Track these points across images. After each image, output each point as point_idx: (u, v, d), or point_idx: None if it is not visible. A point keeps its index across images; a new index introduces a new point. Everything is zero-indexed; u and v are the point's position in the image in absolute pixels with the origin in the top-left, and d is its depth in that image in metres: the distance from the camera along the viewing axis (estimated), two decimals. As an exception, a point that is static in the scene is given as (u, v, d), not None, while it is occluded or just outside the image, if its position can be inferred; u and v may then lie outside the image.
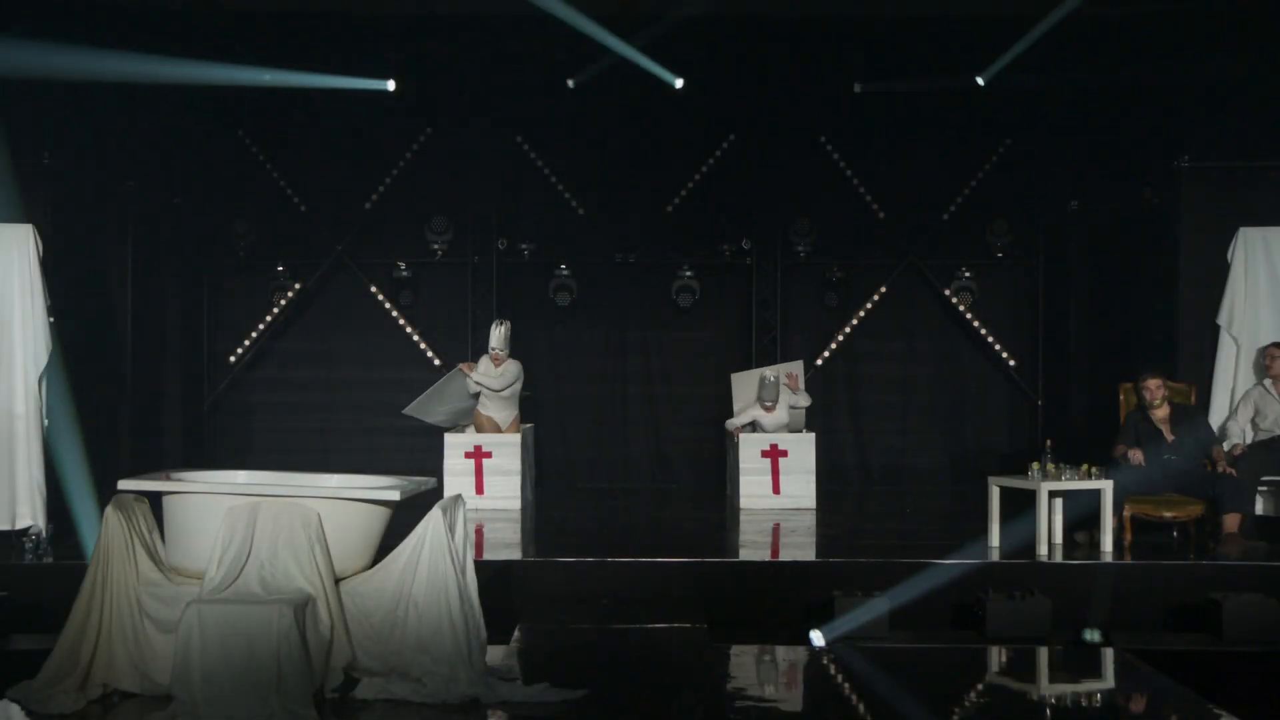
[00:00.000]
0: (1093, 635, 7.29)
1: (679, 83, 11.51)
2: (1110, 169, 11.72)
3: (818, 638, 7.24)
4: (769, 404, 10.69)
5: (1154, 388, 8.79)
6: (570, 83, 11.70)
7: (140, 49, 10.26)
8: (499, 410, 10.66)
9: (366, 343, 12.79)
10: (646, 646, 7.05)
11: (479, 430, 10.65)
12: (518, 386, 10.69)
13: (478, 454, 10.46)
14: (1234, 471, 8.61)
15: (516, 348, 10.80)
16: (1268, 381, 9.15)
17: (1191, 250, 9.85)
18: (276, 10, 11.16)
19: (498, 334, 10.55)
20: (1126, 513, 8.54)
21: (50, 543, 8.37)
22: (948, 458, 12.79)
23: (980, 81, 10.96)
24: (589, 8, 11.28)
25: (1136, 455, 8.65)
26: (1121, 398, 9.30)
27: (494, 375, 10.54)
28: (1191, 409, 9.03)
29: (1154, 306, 10.53)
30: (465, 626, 6.01)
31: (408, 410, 10.85)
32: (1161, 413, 8.79)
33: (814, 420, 11.24)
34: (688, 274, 12.67)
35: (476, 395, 10.65)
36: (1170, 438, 8.73)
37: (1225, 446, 9.00)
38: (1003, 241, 12.62)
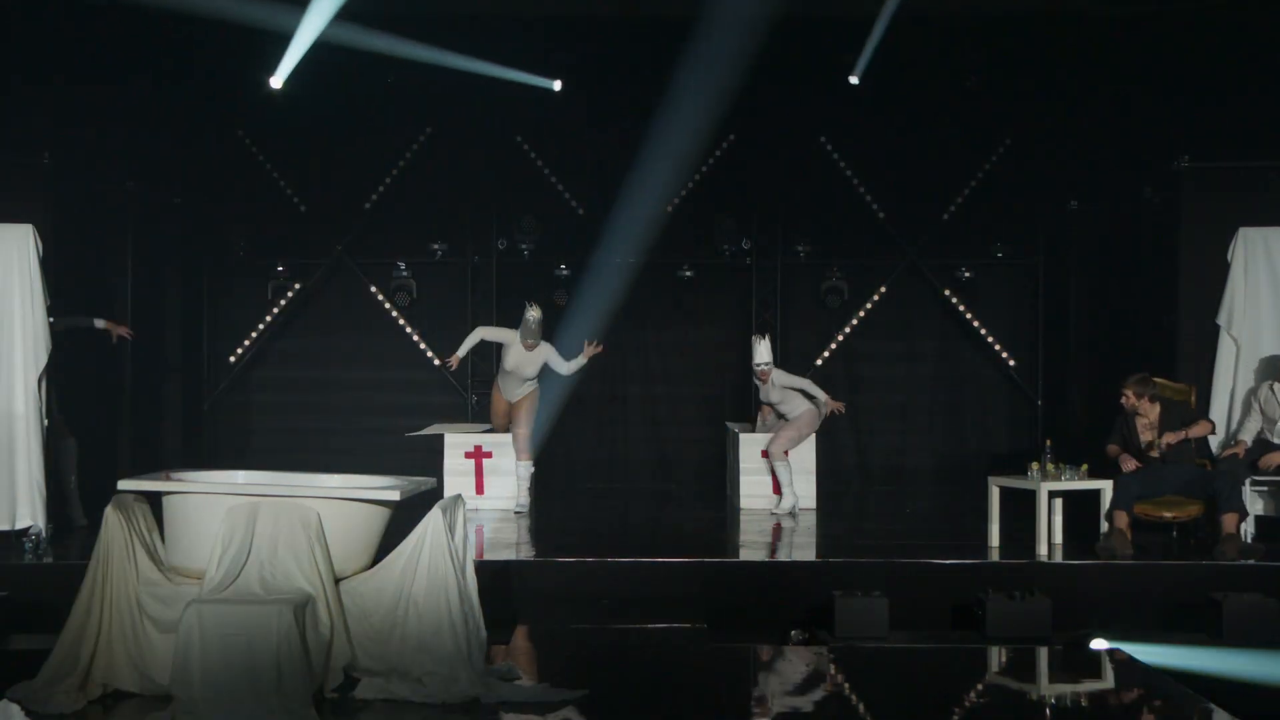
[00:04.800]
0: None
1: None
2: (1110, 169, 11.72)
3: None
4: (762, 367, 10.31)
5: (1125, 397, 8.76)
6: (556, 85, 11.72)
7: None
8: (516, 388, 10.35)
9: (366, 343, 12.79)
10: (646, 646, 7.06)
11: (494, 410, 10.48)
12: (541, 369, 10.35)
13: (478, 454, 10.46)
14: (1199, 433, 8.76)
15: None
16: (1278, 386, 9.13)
17: (1191, 250, 9.84)
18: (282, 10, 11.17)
19: (532, 322, 10.04)
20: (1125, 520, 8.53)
21: (50, 543, 8.38)
22: (948, 458, 12.78)
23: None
24: (588, 8, 11.33)
25: (1128, 462, 8.64)
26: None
27: (539, 360, 10.16)
28: (1181, 406, 8.99)
29: (1154, 306, 10.53)
30: (465, 626, 6.01)
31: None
32: (1147, 420, 8.74)
33: (814, 420, 11.22)
34: (688, 274, 12.68)
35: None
36: (1155, 444, 8.68)
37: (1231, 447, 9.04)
38: (1003, 241, 12.63)
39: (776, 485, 10.46)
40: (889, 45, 11.31)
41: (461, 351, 10.33)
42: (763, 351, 10.33)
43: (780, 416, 10.45)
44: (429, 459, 10.62)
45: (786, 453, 10.29)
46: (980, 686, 6.66)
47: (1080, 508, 8.74)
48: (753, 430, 10.82)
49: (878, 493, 12.37)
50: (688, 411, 12.89)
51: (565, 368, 10.30)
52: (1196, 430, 8.66)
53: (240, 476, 6.77)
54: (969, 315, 12.74)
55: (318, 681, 5.83)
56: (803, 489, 10.45)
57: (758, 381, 10.44)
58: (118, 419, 11.00)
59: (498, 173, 12.66)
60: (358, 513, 6.19)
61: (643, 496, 12.10)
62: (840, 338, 12.75)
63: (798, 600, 7.76)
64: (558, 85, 11.77)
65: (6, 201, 9.02)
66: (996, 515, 8.76)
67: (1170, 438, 8.58)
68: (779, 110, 12.36)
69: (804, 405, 10.35)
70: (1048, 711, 6.30)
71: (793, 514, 10.21)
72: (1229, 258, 9.56)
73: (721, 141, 12.77)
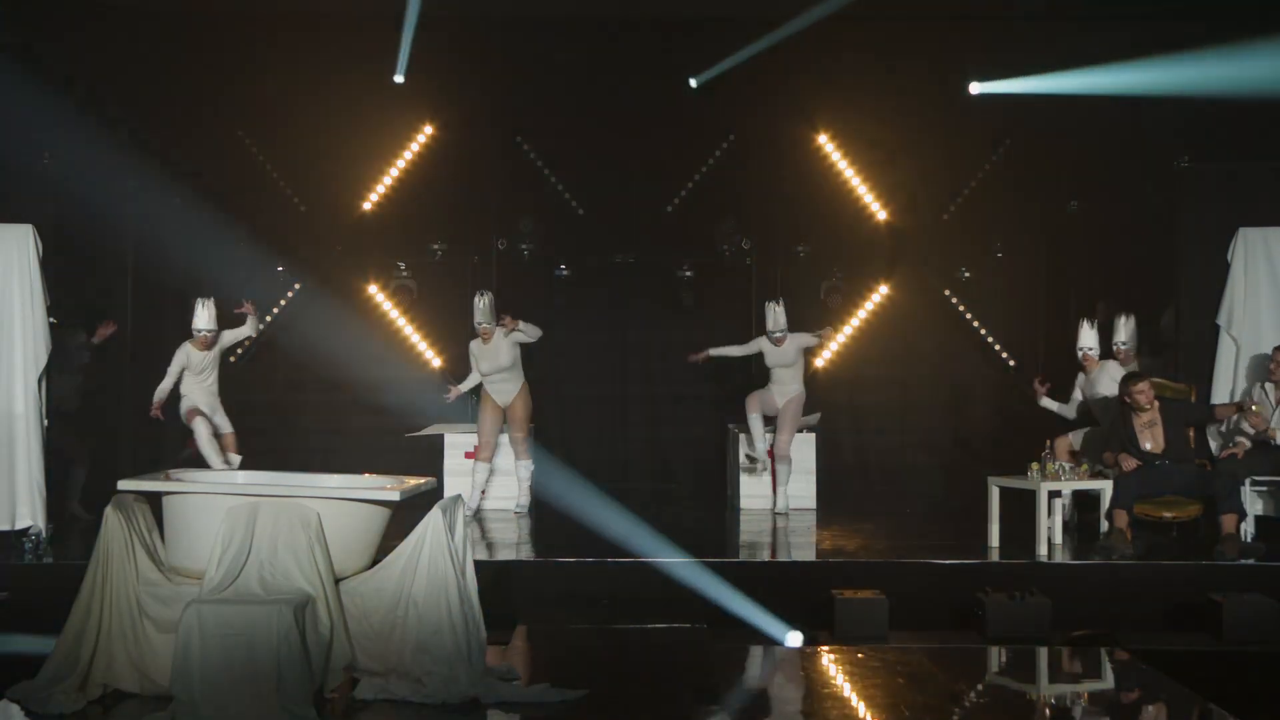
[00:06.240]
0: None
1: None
2: (1110, 169, 11.72)
3: (794, 639, 7.24)
4: (777, 335, 10.39)
5: (1137, 392, 8.76)
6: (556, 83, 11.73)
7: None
8: (503, 385, 10.28)
9: (366, 343, 12.77)
10: (646, 646, 7.05)
11: (481, 417, 10.36)
12: (518, 354, 10.29)
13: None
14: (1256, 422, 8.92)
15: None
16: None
17: (1191, 250, 9.84)
18: (282, 10, 11.21)
19: (481, 307, 10.11)
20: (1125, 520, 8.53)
21: (50, 543, 8.38)
22: (948, 458, 12.76)
23: None
24: (587, 8, 11.34)
25: (1129, 461, 8.65)
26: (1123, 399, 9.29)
27: (505, 347, 10.12)
28: (1178, 403, 9.00)
29: (1154, 306, 10.54)
30: (465, 626, 6.01)
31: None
32: (1146, 417, 8.75)
33: (814, 420, 11.24)
34: (688, 274, 12.68)
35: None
36: (1154, 444, 8.70)
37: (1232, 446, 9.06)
38: (1003, 241, 12.63)
39: (777, 484, 10.47)
40: (889, 44, 11.35)
41: (467, 384, 10.43)
42: (780, 317, 10.35)
43: (777, 384, 10.41)
44: (429, 459, 10.62)
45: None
46: (980, 686, 6.66)
47: (1080, 508, 8.75)
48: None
49: (878, 493, 12.36)
50: (688, 411, 12.88)
51: (526, 335, 10.21)
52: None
53: (240, 476, 6.78)
54: (969, 315, 12.73)
55: (318, 681, 5.83)
56: (803, 489, 10.47)
57: (773, 347, 10.40)
58: (118, 419, 10.99)
59: (498, 173, 12.65)
60: (358, 513, 6.19)
61: (643, 496, 12.09)
62: (840, 338, 12.74)
63: (798, 600, 7.76)
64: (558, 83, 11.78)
65: (6, 201, 9.02)
66: (996, 515, 8.77)
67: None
68: (778, 110, 12.35)
69: (797, 386, 10.42)
70: (1048, 711, 6.31)
71: (785, 514, 10.24)
72: (1229, 258, 9.57)
73: (721, 141, 12.78)
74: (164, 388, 9.89)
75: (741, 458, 10.71)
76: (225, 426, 10.03)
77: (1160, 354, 10.56)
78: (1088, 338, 9.77)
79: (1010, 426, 12.75)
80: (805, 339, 10.49)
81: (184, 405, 9.93)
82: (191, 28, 11.30)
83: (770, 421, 10.57)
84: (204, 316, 9.82)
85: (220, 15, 11.40)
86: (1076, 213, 12.36)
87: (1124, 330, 9.73)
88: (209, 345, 9.85)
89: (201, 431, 9.77)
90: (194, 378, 9.92)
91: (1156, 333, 10.65)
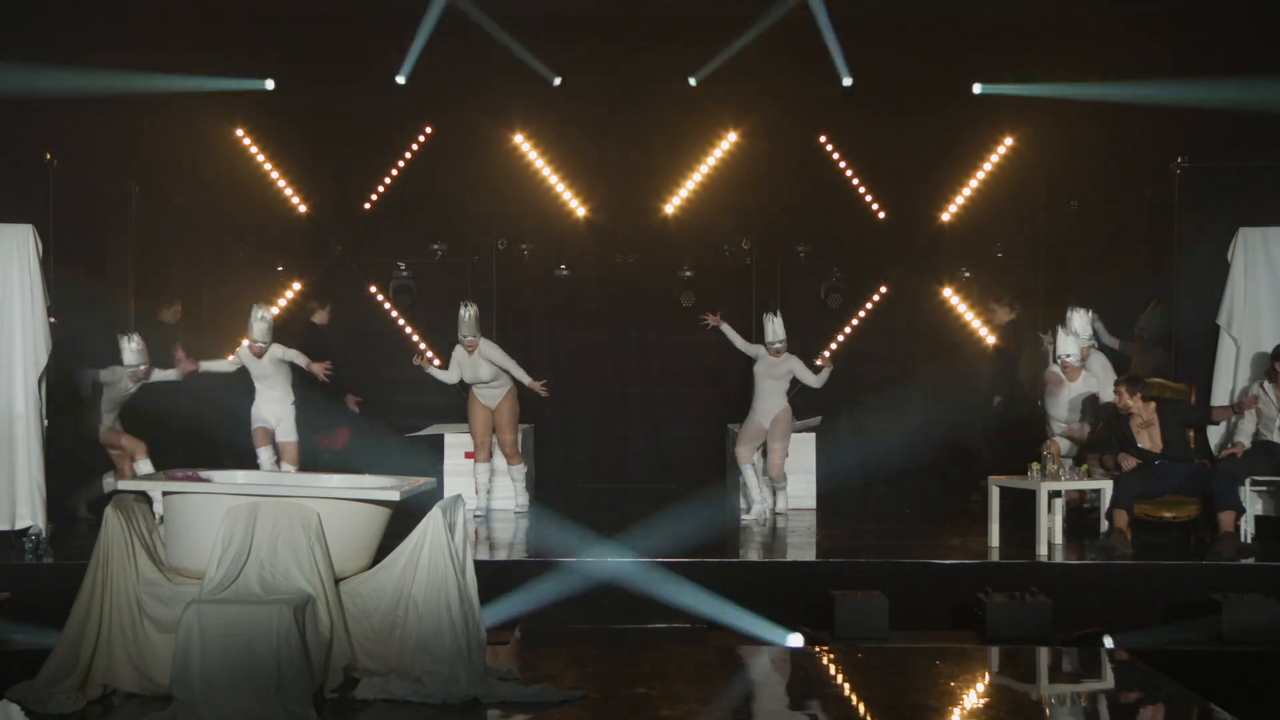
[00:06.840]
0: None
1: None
2: (1110, 169, 11.72)
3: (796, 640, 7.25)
4: (776, 345, 10.29)
5: (1119, 396, 8.77)
6: (556, 80, 11.72)
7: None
8: (489, 391, 10.22)
9: (366, 343, 12.77)
10: (646, 646, 7.05)
11: (472, 420, 10.30)
12: (498, 369, 10.15)
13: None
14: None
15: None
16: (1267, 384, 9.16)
17: (1191, 250, 9.84)
18: (280, 11, 11.20)
19: (467, 318, 10.01)
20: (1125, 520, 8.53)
21: (50, 543, 8.38)
22: (947, 458, 12.75)
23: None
24: (584, 7, 11.35)
25: (1128, 461, 8.66)
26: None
27: (484, 362, 10.04)
28: (1176, 404, 9.00)
29: (1153, 307, 10.53)
30: (465, 626, 6.02)
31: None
32: (1141, 419, 8.75)
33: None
34: (688, 274, 12.67)
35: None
36: (1150, 444, 8.70)
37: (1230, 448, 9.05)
38: (1003, 241, 12.62)
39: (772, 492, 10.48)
40: (891, 45, 11.35)
41: (438, 373, 10.31)
42: (778, 329, 10.26)
43: (760, 399, 10.39)
44: (429, 459, 10.62)
45: None
46: (980, 686, 6.66)
47: (1075, 512, 8.76)
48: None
49: (878, 493, 12.36)
50: (688, 411, 12.87)
51: (512, 367, 10.14)
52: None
53: (240, 476, 6.78)
54: (969, 315, 12.72)
55: (318, 681, 5.84)
56: (803, 489, 10.47)
57: (770, 358, 10.32)
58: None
59: (498, 173, 12.65)
60: (358, 513, 6.19)
61: (643, 496, 12.08)
62: (840, 338, 12.74)
63: (798, 600, 7.76)
64: (558, 81, 11.79)
65: (6, 201, 9.02)
66: (996, 515, 8.77)
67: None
68: (779, 110, 12.35)
69: (782, 402, 10.35)
70: (1048, 711, 6.31)
71: (783, 514, 10.26)
72: (1229, 258, 9.57)
73: (720, 141, 12.78)
74: (213, 366, 10.07)
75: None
76: (288, 436, 9.97)
77: (1129, 338, 10.61)
78: (1066, 344, 9.62)
79: (1011, 427, 12.76)
80: (804, 372, 10.33)
81: (253, 413, 9.99)
82: (191, 26, 11.30)
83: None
84: (258, 329, 9.82)
85: (222, 14, 11.40)
86: (1076, 212, 12.36)
87: (1083, 325, 9.65)
88: (261, 355, 9.88)
89: (265, 459, 9.86)
90: (259, 387, 9.98)
91: (1139, 328, 10.65)
